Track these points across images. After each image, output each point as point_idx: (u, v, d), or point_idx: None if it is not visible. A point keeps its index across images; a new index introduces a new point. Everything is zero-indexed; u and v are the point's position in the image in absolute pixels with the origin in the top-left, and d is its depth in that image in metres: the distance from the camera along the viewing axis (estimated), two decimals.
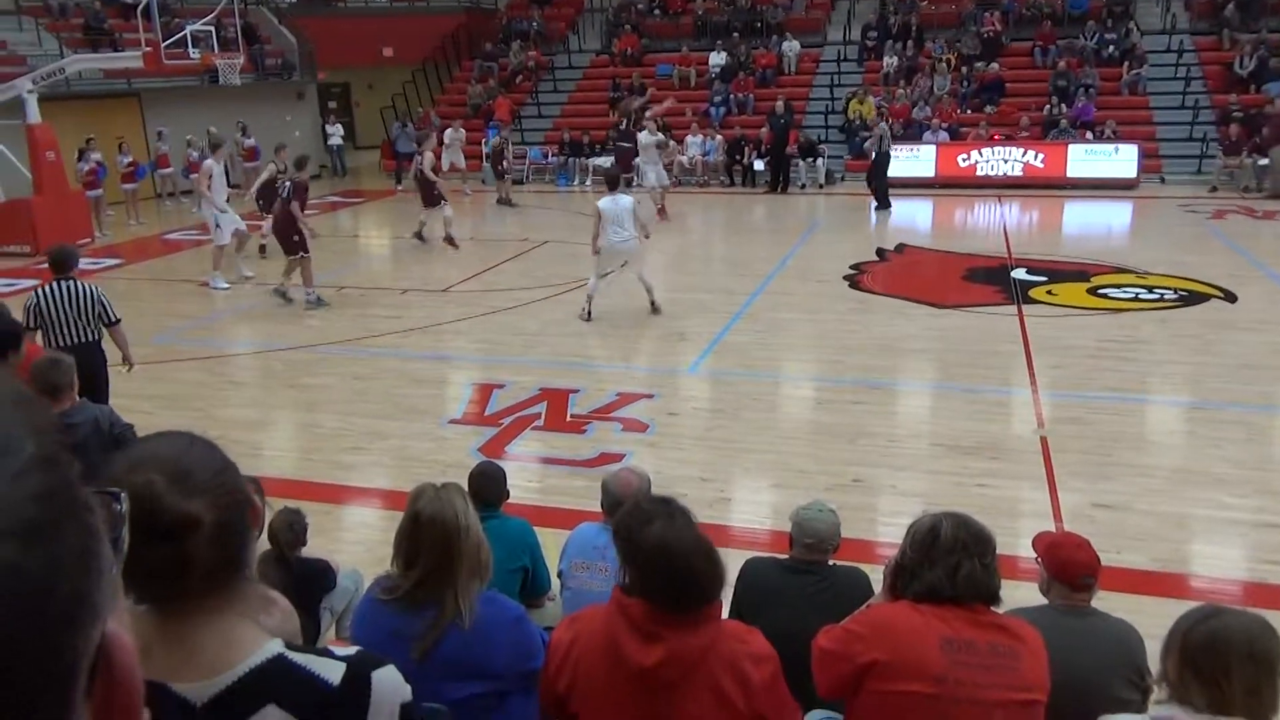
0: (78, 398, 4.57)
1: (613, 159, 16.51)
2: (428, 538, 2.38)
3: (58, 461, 0.44)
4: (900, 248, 13.45)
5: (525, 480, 6.14)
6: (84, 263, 13.66)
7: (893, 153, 16.95)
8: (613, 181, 10.19)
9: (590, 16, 25.49)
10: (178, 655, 1.20)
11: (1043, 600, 3.03)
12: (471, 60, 24.90)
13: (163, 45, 14.93)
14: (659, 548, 2.15)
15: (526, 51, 24.04)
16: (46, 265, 6.54)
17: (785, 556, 3.39)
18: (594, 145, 20.77)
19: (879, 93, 20.38)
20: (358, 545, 5.56)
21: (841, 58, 22.12)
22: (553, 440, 7.01)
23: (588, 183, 20.40)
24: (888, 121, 17.73)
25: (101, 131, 17.67)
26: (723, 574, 2.24)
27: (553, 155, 21.17)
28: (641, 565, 2.20)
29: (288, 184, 10.95)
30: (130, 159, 17.62)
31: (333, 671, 1.31)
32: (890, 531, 5.47)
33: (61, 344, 6.00)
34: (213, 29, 16.58)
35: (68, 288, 6.21)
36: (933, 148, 18.83)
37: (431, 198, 13.83)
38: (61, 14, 20.11)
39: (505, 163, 18.70)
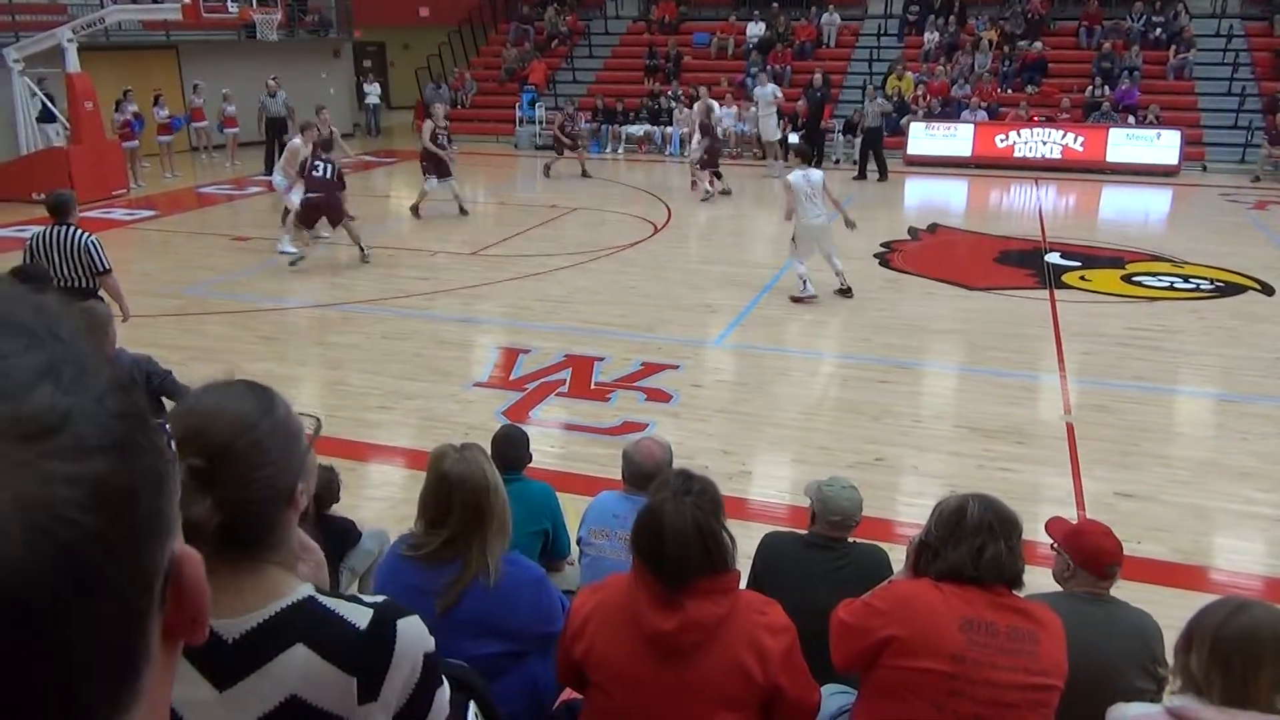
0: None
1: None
2: (458, 498, 2.40)
3: (129, 386, 0.47)
4: (933, 227, 13.32)
5: (547, 445, 6.17)
6: (119, 213, 13.91)
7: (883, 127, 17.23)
8: (805, 155, 9.76)
9: None
10: (215, 592, 1.22)
11: (1056, 587, 3.02)
12: (508, 23, 24.76)
13: None
14: (652, 515, 2.21)
15: (563, 16, 23.87)
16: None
17: (804, 532, 3.40)
18: (628, 112, 20.65)
19: (917, 69, 20.11)
20: (380, 503, 5.62)
21: (882, 31, 21.81)
22: (576, 407, 7.04)
23: (620, 150, 20.31)
24: (889, 97, 17.70)
25: (139, 83, 17.77)
26: (721, 557, 2.23)
27: (586, 122, 21.06)
28: (636, 528, 2.27)
29: (328, 165, 10.82)
30: (167, 111, 17.70)
31: (360, 617, 1.33)
32: (910, 512, 5.46)
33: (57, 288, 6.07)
34: None
35: (60, 233, 6.26)
36: (970, 127, 18.58)
37: (444, 168, 13.39)
38: None
39: (573, 133, 17.78)
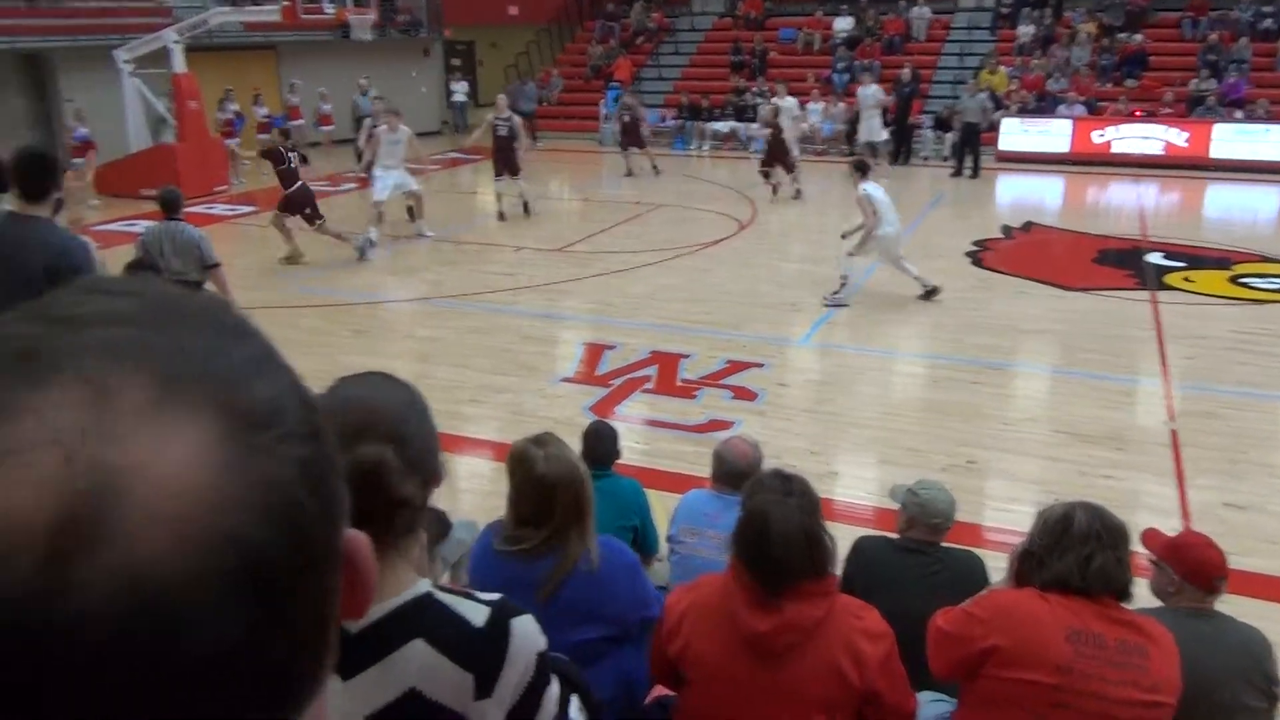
0: None
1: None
2: (559, 499, 2.41)
3: (300, 378, 0.50)
4: (1027, 226, 12.97)
5: (633, 442, 6.18)
6: (220, 209, 14.41)
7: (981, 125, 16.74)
8: (864, 168, 9.68)
9: None
10: None
11: (1155, 602, 2.91)
12: (594, 20, 24.91)
13: (300, 0, 15.38)
14: (757, 516, 2.19)
15: (649, 12, 23.91)
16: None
17: (895, 536, 3.35)
18: (712, 109, 20.58)
19: (1011, 63, 19.59)
20: (469, 495, 5.72)
21: (973, 25, 21.32)
22: (662, 404, 7.05)
23: (704, 147, 20.26)
24: (986, 93, 17.17)
25: (239, 83, 18.38)
26: (824, 560, 2.22)
27: (670, 119, 21.06)
28: (739, 529, 2.25)
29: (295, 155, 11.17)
30: (265, 110, 18.26)
31: (477, 614, 1.35)
32: (1004, 518, 5.34)
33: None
34: None
35: (171, 228, 6.53)
36: (1068, 122, 18.03)
37: (515, 165, 13.03)
38: None
39: (642, 130, 17.08)
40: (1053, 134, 18.05)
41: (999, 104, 18.80)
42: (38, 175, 3.95)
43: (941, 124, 18.49)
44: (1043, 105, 18.59)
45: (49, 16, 17.20)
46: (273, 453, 0.44)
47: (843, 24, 21.67)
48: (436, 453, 1.35)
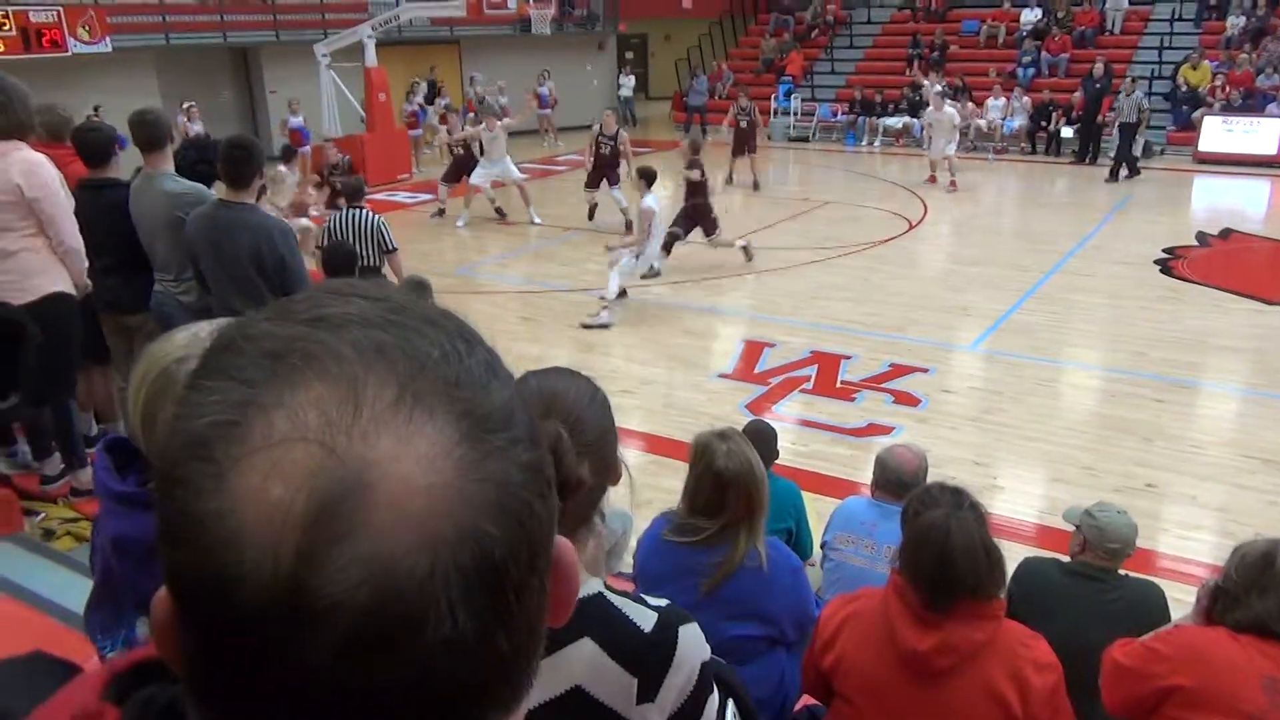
0: None
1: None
2: (733, 493, 2.45)
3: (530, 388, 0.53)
4: (1226, 233, 12.06)
5: (789, 442, 6.11)
6: (402, 196, 15.11)
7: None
8: (649, 177, 9.12)
9: None
10: None
11: None
12: (768, 14, 24.70)
13: None
14: (935, 531, 2.13)
15: (825, 5, 23.52)
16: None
17: (1065, 558, 3.19)
18: (886, 104, 20.07)
19: (1216, 57, 18.22)
20: (622, 486, 5.79)
21: (1176, 17, 19.93)
22: (821, 405, 6.96)
23: (876, 143, 19.80)
24: (1179, 88, 15.84)
25: (424, 75, 19.22)
26: (1000, 577, 2.16)
27: (842, 113, 20.67)
28: (915, 544, 2.19)
29: None
30: (448, 101, 19.03)
31: (645, 619, 1.37)
32: (1184, 546, 5.03)
33: None
34: None
35: (355, 215, 6.89)
36: (1277, 121, 16.64)
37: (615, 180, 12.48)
38: None
39: (752, 140, 15.48)
40: (1260, 134, 16.69)
41: (1199, 101, 17.56)
42: (242, 164, 4.26)
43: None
44: (1250, 103, 17.22)
45: (260, 12, 18.46)
46: (505, 455, 0.46)
47: (1030, 15, 20.69)
48: (615, 446, 1.38)
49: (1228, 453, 6.08)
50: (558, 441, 1.21)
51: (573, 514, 1.31)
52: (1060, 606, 2.85)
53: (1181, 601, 3.78)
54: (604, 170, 12.25)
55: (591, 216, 12.91)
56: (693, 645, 1.39)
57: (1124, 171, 15.52)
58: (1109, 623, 2.64)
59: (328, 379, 0.44)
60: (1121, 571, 3.07)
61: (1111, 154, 16.03)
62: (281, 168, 11.31)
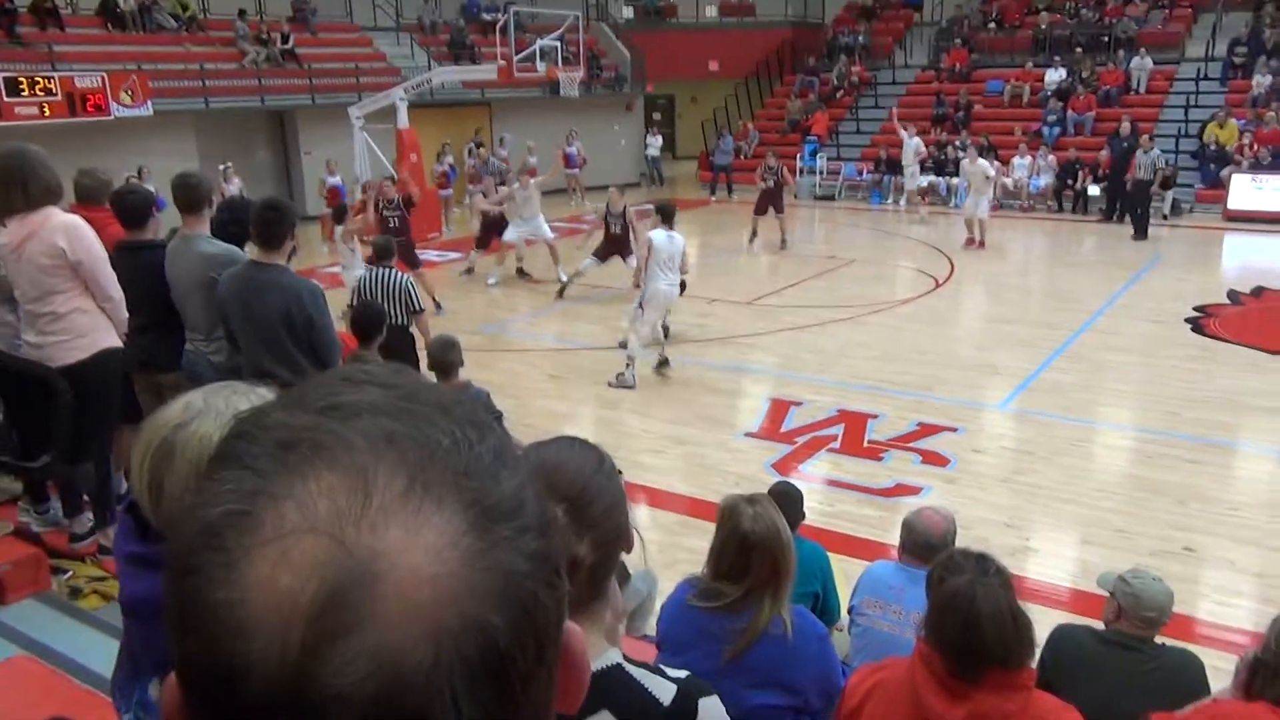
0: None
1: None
2: (756, 557, 2.43)
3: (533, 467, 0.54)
4: (1258, 291, 11.94)
5: (815, 502, 6.07)
6: (432, 254, 15.29)
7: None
8: (667, 215, 8.75)
9: (919, 30, 24.80)
10: None
11: None
12: (794, 75, 25.04)
13: (515, 59, 16.28)
14: (961, 597, 2.09)
15: (850, 66, 23.82)
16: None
17: (1100, 626, 3.12)
18: None
19: (1243, 115, 18.22)
20: (649, 545, 5.74)
21: (1201, 76, 19.99)
22: (847, 464, 6.90)
23: (902, 202, 19.87)
24: (1206, 146, 15.87)
25: (455, 136, 19.59)
26: (1029, 645, 2.11)
27: (868, 172, 20.80)
28: (939, 611, 2.14)
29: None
30: (478, 161, 19.35)
31: (665, 691, 1.35)
32: (1224, 613, 4.91)
33: None
34: (558, 44, 17.87)
35: (384, 275, 6.98)
36: None
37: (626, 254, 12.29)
38: (432, 30, 22.48)
39: (779, 199, 15.34)
40: None
41: (1226, 159, 17.53)
42: (274, 225, 4.35)
43: (1161, 181, 17.38)
44: (1279, 161, 17.15)
45: (296, 76, 18.95)
46: (512, 545, 0.46)
47: (1054, 75, 20.83)
48: (623, 516, 1.36)
49: (1265, 515, 5.95)
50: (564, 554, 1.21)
51: (578, 592, 1.29)
52: (1094, 676, 2.78)
53: (1221, 670, 3.67)
54: (616, 246, 12.14)
55: (561, 295, 12.67)
56: (713, 718, 1.37)
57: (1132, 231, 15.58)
58: (1145, 694, 2.57)
59: (338, 469, 0.45)
60: (1159, 640, 2.99)
61: (1165, 212, 16.39)
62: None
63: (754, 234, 15.62)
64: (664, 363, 9.02)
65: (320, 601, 0.42)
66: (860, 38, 24.65)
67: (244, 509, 0.44)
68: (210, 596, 0.43)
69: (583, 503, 1.27)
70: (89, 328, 4.20)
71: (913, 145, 15.65)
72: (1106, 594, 3.13)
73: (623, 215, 12.06)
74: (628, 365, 8.65)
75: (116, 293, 4.23)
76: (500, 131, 21.29)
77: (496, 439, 0.50)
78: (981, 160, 15.18)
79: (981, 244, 14.66)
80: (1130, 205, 15.81)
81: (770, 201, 15.24)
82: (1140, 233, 15.45)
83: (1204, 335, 10.02)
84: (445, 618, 0.43)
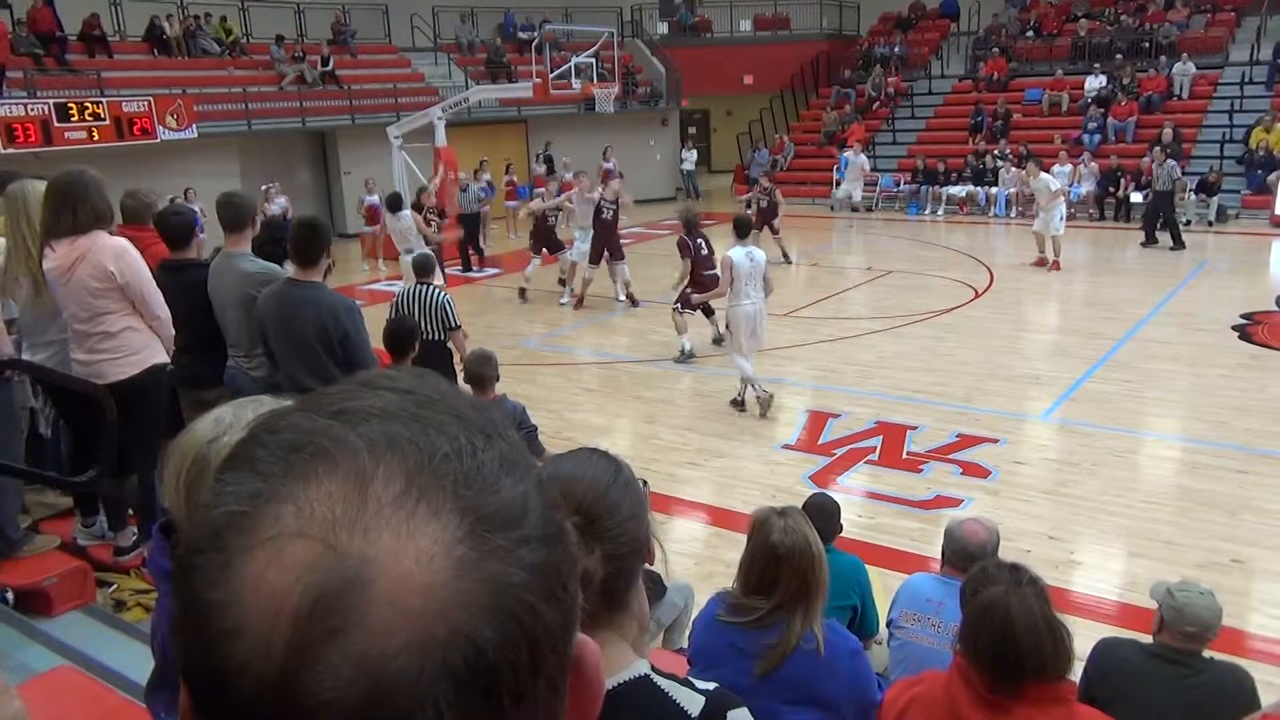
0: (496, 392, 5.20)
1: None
2: (786, 569, 2.41)
3: (544, 479, 0.52)
4: None
5: (854, 514, 6.02)
6: (470, 271, 15.43)
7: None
8: (744, 228, 8.39)
9: (956, 40, 24.63)
10: None
11: None
12: (829, 87, 24.98)
13: (550, 77, 16.40)
14: (994, 609, 2.06)
15: (886, 77, 23.71)
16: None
17: (1149, 640, 3.05)
18: (949, 173, 20.03)
19: None
20: (686, 558, 5.74)
21: (1246, 80, 19.63)
22: (886, 476, 6.83)
23: (940, 211, 19.71)
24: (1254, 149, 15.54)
25: (492, 154, 19.76)
26: (1066, 656, 2.07)
27: (905, 183, 20.68)
28: (974, 623, 2.12)
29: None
30: (513, 179, 19.52)
31: (693, 703, 1.33)
32: (1275, 626, 4.78)
33: None
34: (593, 61, 17.98)
35: (422, 291, 7.02)
36: None
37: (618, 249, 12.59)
38: (469, 50, 22.74)
39: (773, 219, 14.59)
40: None
41: (1274, 164, 17.18)
42: (309, 243, 4.42)
43: (1205, 187, 17.11)
44: None
45: (336, 98, 19.26)
46: (509, 555, 0.45)
47: (1094, 83, 20.57)
48: (641, 529, 1.34)
49: None
50: (577, 566, 1.20)
51: (593, 605, 1.27)
52: (1138, 691, 2.71)
53: (1273, 685, 3.58)
54: (604, 233, 12.22)
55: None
56: None
57: (1166, 238, 15.29)
58: (1190, 710, 2.51)
59: (338, 473, 0.45)
60: (1207, 654, 2.92)
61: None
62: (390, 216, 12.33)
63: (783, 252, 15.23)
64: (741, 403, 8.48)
65: (307, 605, 0.42)
66: (896, 48, 24.54)
67: (245, 510, 0.45)
68: (208, 596, 0.44)
69: (595, 514, 1.26)
70: (141, 345, 4.30)
71: (1045, 181, 14.90)
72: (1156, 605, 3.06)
73: (616, 201, 12.22)
74: (746, 387, 8.25)
75: (163, 311, 4.32)
76: (536, 149, 21.45)
77: (506, 447, 0.50)
78: (1045, 175, 14.49)
79: (1056, 265, 13.91)
80: (1150, 218, 15.52)
81: (765, 221, 14.47)
82: (1177, 243, 15.09)
83: (1252, 343, 9.81)
84: (434, 627, 0.42)
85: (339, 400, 0.49)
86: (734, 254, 8.04)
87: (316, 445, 0.46)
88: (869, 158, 21.46)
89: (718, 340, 10.14)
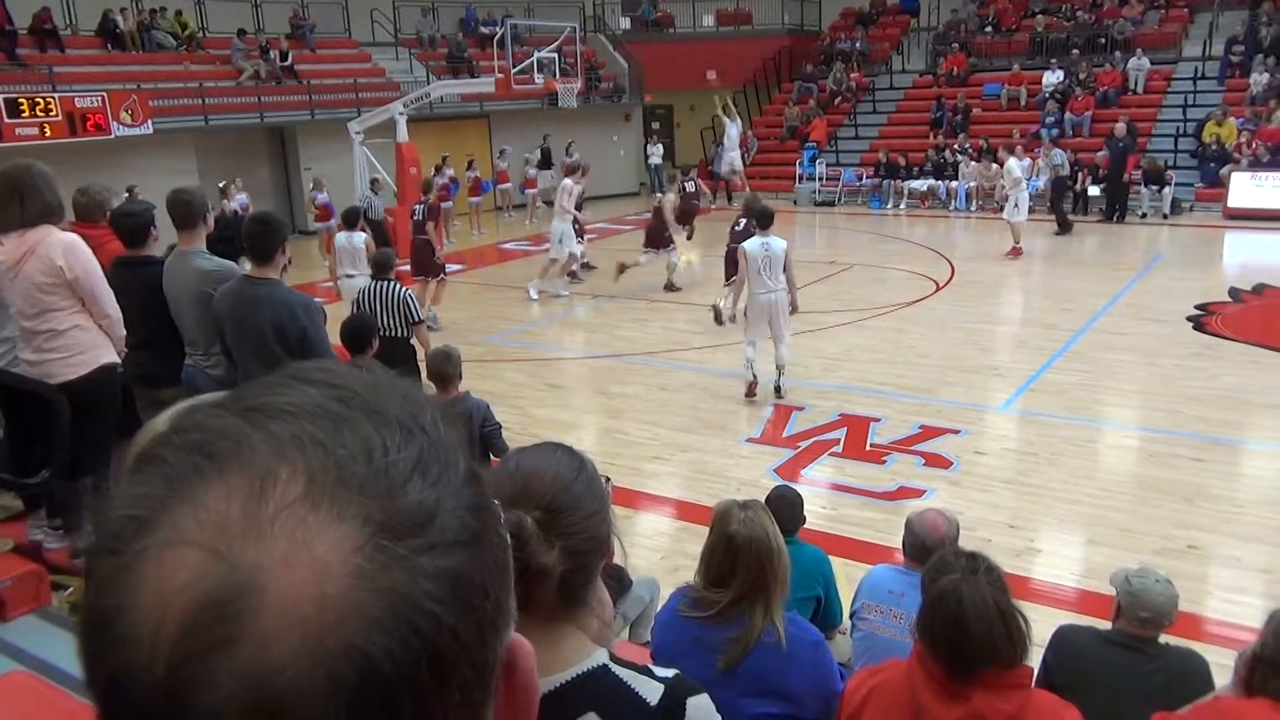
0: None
1: None
2: (743, 560, 2.42)
3: (480, 476, 0.50)
4: (1259, 288, 11.93)
5: (818, 506, 6.05)
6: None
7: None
8: (765, 219, 8.43)
9: (916, 36, 24.83)
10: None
11: None
12: (792, 82, 25.08)
13: (513, 72, 16.32)
14: (948, 597, 2.08)
15: (848, 73, 23.85)
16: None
17: (1106, 627, 3.10)
18: (911, 167, 20.20)
19: (1242, 114, 18.21)
20: (653, 552, 5.75)
21: (1199, 75, 19.99)
22: (850, 468, 6.88)
23: (902, 205, 19.88)
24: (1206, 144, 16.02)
25: (454, 149, 19.63)
26: (1022, 643, 2.09)
27: (867, 177, 20.82)
28: (929, 611, 2.15)
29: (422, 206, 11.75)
30: (476, 174, 19.42)
31: (652, 691, 1.33)
32: (1230, 610, 4.88)
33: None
34: (556, 56, 17.91)
35: (383, 287, 6.96)
36: None
37: (662, 239, 12.82)
38: (430, 45, 22.56)
39: (693, 215, 13.88)
40: None
41: (1226, 158, 17.51)
42: (263, 240, 4.36)
43: (1152, 178, 17.41)
44: (1278, 159, 17.13)
45: (296, 93, 19.02)
46: (411, 563, 0.43)
47: (1052, 78, 20.84)
48: (603, 525, 1.33)
49: (1271, 512, 5.92)
50: (520, 529, 1.19)
51: (551, 600, 1.26)
52: (1095, 677, 2.75)
53: (1227, 668, 3.65)
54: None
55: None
56: (702, 716, 1.36)
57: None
58: (1146, 695, 2.55)
59: (236, 475, 0.43)
60: (1163, 640, 2.97)
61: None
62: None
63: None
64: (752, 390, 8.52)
65: (194, 613, 0.40)
66: (857, 44, 24.70)
67: (142, 514, 0.43)
68: (102, 602, 0.42)
69: (557, 510, 1.25)
70: (89, 344, 4.20)
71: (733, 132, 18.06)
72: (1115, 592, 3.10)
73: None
74: (747, 366, 8.39)
75: (114, 310, 4.24)
76: (500, 144, 21.35)
77: (427, 445, 0.47)
78: (1012, 160, 14.80)
79: (1017, 250, 14.41)
80: (1055, 202, 16.71)
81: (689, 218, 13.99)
82: (1063, 228, 16.26)
83: (1206, 333, 9.99)
84: (326, 638, 0.40)
85: (257, 396, 0.48)
86: (749, 244, 8.13)
87: (219, 446, 0.44)
88: (831, 153, 21.61)
89: (718, 319, 10.47)
